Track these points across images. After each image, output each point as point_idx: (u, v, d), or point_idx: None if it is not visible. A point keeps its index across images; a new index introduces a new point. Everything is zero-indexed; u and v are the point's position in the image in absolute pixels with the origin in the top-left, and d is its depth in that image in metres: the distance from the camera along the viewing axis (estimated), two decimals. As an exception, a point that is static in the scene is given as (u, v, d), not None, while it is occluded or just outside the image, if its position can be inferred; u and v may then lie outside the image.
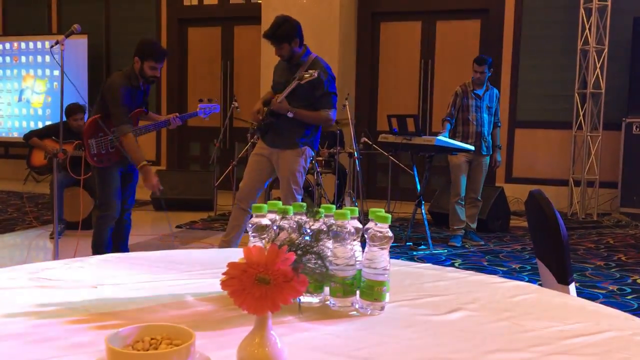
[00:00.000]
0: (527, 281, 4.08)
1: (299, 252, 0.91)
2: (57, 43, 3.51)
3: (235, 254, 1.75)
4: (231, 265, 0.87)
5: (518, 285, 1.46)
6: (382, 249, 1.19)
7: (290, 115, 3.71)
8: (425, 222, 5.09)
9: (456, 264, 4.56)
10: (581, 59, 6.90)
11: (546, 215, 1.76)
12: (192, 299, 1.28)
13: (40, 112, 9.01)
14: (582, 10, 6.81)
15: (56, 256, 3.68)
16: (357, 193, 6.33)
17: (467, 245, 5.18)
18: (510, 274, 4.27)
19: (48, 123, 8.38)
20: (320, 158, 6.19)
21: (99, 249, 3.87)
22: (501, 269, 4.44)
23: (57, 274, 1.43)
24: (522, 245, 5.28)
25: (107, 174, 3.76)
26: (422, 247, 5.00)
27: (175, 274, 1.47)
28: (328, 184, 6.81)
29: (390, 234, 1.19)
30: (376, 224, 1.20)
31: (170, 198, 6.88)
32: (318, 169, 5.94)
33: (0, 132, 9.34)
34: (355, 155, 5.97)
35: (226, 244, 4.00)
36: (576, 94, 6.94)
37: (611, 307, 1.32)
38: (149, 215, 6.61)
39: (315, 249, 0.94)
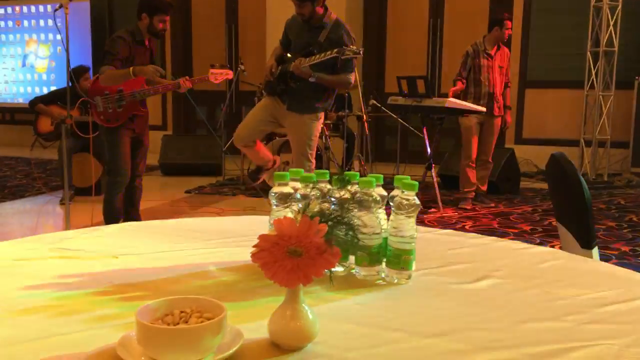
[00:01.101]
0: (539, 243, 4.07)
1: (329, 223, 0.88)
2: (60, 7, 3.43)
3: (251, 222, 1.73)
4: (262, 237, 0.84)
5: (543, 250, 1.44)
6: (409, 217, 1.16)
7: (312, 80, 3.65)
8: (435, 185, 5.06)
9: (467, 227, 4.55)
10: (594, 16, 6.74)
11: (569, 178, 1.72)
12: (214, 268, 1.26)
13: (44, 77, 8.94)
14: (596, -34, 6.63)
15: (68, 222, 3.68)
16: (365, 156, 6.29)
17: (477, 208, 5.16)
18: (521, 236, 4.26)
19: (53, 88, 8.33)
20: (329, 121, 6.13)
21: (109, 215, 3.87)
22: (512, 231, 4.43)
23: (77, 244, 1.41)
24: (533, 207, 5.26)
25: (116, 137, 3.72)
26: (433, 209, 4.99)
27: (195, 242, 1.45)
28: (336, 147, 6.77)
29: (417, 201, 1.16)
30: (403, 192, 1.17)
31: (178, 163, 6.87)
32: (326, 133, 5.89)
33: (5, 98, 9.29)
34: (364, 118, 5.91)
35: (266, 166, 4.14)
36: (588, 53, 6.80)
37: (624, 268, 1.30)
38: (158, 180, 6.61)
39: (345, 220, 0.92)
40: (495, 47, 5.07)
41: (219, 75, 3.91)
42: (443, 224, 4.60)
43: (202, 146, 7.01)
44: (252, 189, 5.95)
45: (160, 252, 1.36)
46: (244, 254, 1.26)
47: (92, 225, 4.00)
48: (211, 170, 6.78)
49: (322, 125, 4.04)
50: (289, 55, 3.85)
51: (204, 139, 7.27)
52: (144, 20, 3.67)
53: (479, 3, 7.48)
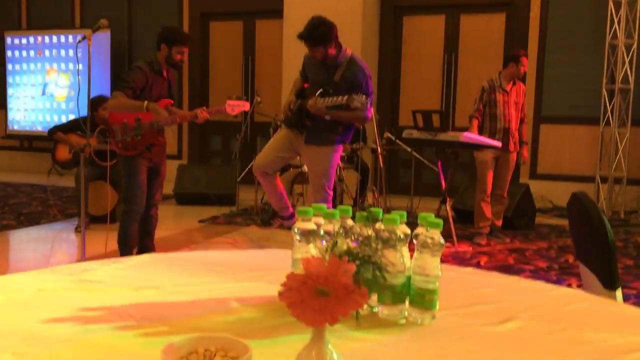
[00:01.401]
0: (556, 281, 4.01)
1: (357, 262, 0.88)
2: (84, 38, 3.49)
3: (270, 256, 1.72)
4: (290, 276, 0.84)
5: (568, 292, 1.42)
6: (433, 256, 1.15)
7: (327, 117, 3.69)
8: (450, 220, 5.03)
9: (482, 262, 4.50)
10: (609, 53, 6.77)
11: (592, 218, 1.70)
12: (236, 303, 1.25)
13: (63, 105, 9.08)
14: (610, 4, 6.66)
15: (83, 251, 3.69)
16: (379, 189, 6.28)
17: (492, 243, 5.11)
18: (537, 273, 4.20)
19: (71, 116, 8.45)
20: (343, 154, 6.14)
21: (124, 243, 3.87)
22: (528, 267, 4.38)
23: (97, 276, 1.41)
24: (549, 244, 5.20)
25: (133, 166, 3.74)
26: (447, 244, 4.95)
27: (214, 276, 1.45)
28: (350, 179, 6.77)
29: (442, 240, 1.16)
30: (427, 230, 1.16)
31: (193, 192, 6.90)
32: (340, 165, 5.90)
33: (24, 126, 9.43)
34: (378, 151, 5.92)
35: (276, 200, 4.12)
36: (604, 90, 6.80)
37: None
38: (172, 209, 6.63)
39: (373, 259, 0.91)
40: (511, 83, 5.09)
41: (236, 107, 3.94)
42: (458, 259, 4.56)
43: (216, 176, 7.04)
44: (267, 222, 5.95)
45: (181, 286, 1.36)
46: (264, 289, 1.25)
47: (106, 253, 4.02)
48: (225, 200, 6.80)
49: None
50: (306, 86, 3.91)
51: (218, 168, 7.31)
52: (162, 50, 3.74)
53: (494, 38, 7.54)
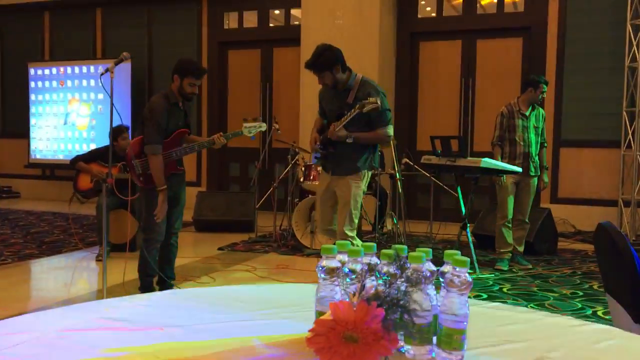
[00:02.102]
0: (581, 307, 3.93)
1: (385, 306, 0.87)
2: (106, 71, 3.55)
3: (293, 290, 1.71)
4: (318, 322, 0.83)
5: (597, 329, 1.38)
6: (461, 294, 1.14)
7: (349, 141, 3.71)
8: (471, 245, 4.97)
9: (504, 289, 4.43)
10: (629, 76, 6.72)
11: (620, 250, 1.67)
12: (259, 342, 1.24)
13: (85, 134, 9.22)
14: (629, 27, 6.65)
15: (104, 280, 3.70)
16: (398, 214, 6.25)
17: (514, 269, 5.04)
18: (562, 301, 4.12)
19: (92, 145, 8.58)
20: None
21: (144, 272, 3.88)
22: (552, 294, 4.30)
23: (121, 313, 1.41)
24: (572, 269, 5.11)
25: (153, 196, 3.76)
26: (469, 271, 4.88)
27: (238, 313, 1.44)
28: (369, 205, 6.75)
29: (469, 279, 1.14)
30: (454, 268, 1.15)
31: (212, 219, 6.92)
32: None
33: (46, 155, 9.58)
34: (397, 176, 5.91)
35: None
36: (624, 112, 6.74)
37: None
38: (191, 236, 6.65)
39: (402, 302, 0.90)
40: (530, 108, 5.07)
41: (253, 129, 3.96)
42: (480, 286, 4.49)
43: (235, 203, 7.07)
44: (284, 246, 5.94)
45: (204, 324, 1.35)
46: (288, 327, 1.24)
47: (124, 282, 4.03)
48: (244, 227, 6.81)
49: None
50: (325, 122, 3.95)
51: (237, 195, 7.34)
52: (175, 81, 3.76)
53: (511, 63, 7.54)
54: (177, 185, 3.91)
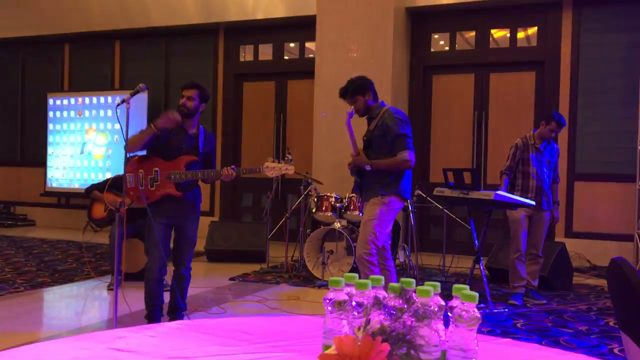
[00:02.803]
0: (597, 345, 3.85)
1: (391, 341, 0.86)
2: (123, 102, 3.60)
3: (301, 323, 1.70)
4: (322, 357, 0.83)
5: (611, 367, 1.36)
6: (469, 329, 1.13)
7: (368, 168, 3.85)
8: (485, 279, 4.92)
9: (518, 325, 4.36)
10: (643, 109, 6.70)
11: (633, 286, 1.64)
12: (266, 376, 1.23)
13: (101, 163, 9.34)
14: (642, 61, 6.66)
15: (115, 310, 3.69)
16: (410, 246, 6.22)
17: (528, 305, 4.96)
18: (578, 337, 4.04)
19: (108, 174, 8.67)
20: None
21: (147, 302, 3.85)
22: (567, 330, 4.22)
23: (130, 344, 1.41)
24: (588, 305, 5.03)
25: (149, 222, 3.73)
26: (482, 305, 4.82)
27: (246, 345, 1.43)
28: (381, 237, 6.72)
29: (478, 314, 1.13)
30: (463, 303, 1.14)
31: (224, 249, 6.93)
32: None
33: (62, 183, 9.70)
34: (410, 208, 5.89)
35: None
36: (638, 146, 6.70)
37: None
38: (203, 266, 6.65)
39: (407, 337, 0.89)
40: (545, 143, 5.07)
41: (276, 170, 3.83)
42: (493, 321, 4.43)
43: (247, 233, 7.07)
44: (295, 277, 5.91)
45: (212, 356, 1.35)
46: (297, 362, 1.23)
47: (131, 313, 4.02)
48: (256, 257, 6.80)
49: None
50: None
51: (249, 226, 7.35)
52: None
53: (524, 96, 7.56)
54: (177, 211, 3.81)
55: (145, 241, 3.88)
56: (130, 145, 3.69)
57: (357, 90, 3.95)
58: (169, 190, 3.77)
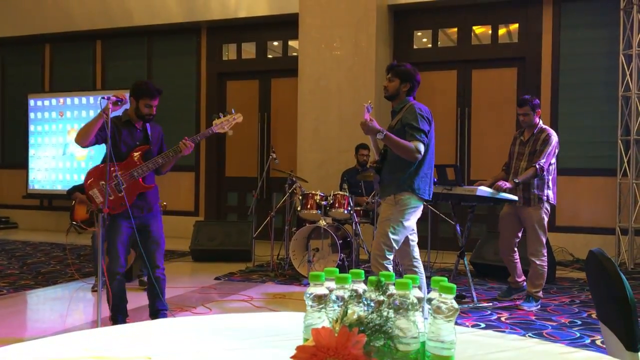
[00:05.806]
0: (579, 337, 3.90)
1: (368, 332, 0.87)
2: (103, 99, 3.57)
3: (284, 319, 1.70)
4: (300, 348, 0.83)
5: (588, 356, 1.38)
6: (447, 321, 1.14)
7: (379, 136, 3.68)
8: (469, 275, 4.95)
9: (502, 318, 4.40)
10: (623, 105, 6.79)
11: (610, 276, 1.67)
12: (247, 371, 1.23)
13: (83, 164, 9.25)
14: (621, 57, 6.74)
15: (99, 310, 3.66)
16: (396, 243, 6.23)
17: (513, 298, 4.99)
18: (560, 330, 4.09)
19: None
20: (359, 208, 6.15)
21: (111, 304, 3.78)
22: (550, 323, 4.27)
23: (109, 343, 1.40)
24: (570, 298, 5.09)
25: (112, 225, 3.69)
26: (467, 300, 4.86)
27: (228, 341, 1.43)
28: (367, 234, 6.74)
29: (456, 305, 1.14)
30: (440, 295, 1.15)
31: (209, 249, 6.91)
32: (356, 219, 5.89)
33: (44, 185, 9.60)
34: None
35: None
36: (619, 141, 6.79)
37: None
38: (188, 266, 6.63)
39: (384, 329, 0.90)
40: (530, 133, 4.95)
41: (226, 124, 3.88)
42: (478, 315, 4.47)
43: (233, 232, 7.06)
44: (281, 275, 5.91)
45: (195, 353, 1.35)
46: (275, 355, 1.24)
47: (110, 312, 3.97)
48: (241, 256, 6.79)
49: (409, 210, 3.81)
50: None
51: (234, 225, 7.33)
52: (132, 103, 3.79)
53: (506, 92, 7.61)
54: (142, 212, 3.78)
55: (107, 242, 3.78)
56: (79, 137, 3.63)
57: (399, 74, 3.87)
58: (140, 188, 3.76)
